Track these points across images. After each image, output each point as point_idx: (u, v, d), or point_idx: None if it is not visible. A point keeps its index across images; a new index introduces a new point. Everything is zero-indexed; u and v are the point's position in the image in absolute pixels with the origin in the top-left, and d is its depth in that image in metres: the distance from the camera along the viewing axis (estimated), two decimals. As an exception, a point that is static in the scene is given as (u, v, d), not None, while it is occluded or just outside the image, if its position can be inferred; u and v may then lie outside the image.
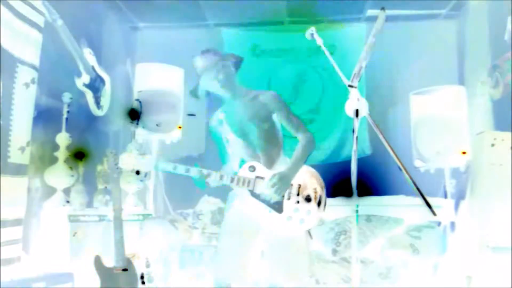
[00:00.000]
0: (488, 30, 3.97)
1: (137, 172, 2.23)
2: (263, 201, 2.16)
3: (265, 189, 2.15)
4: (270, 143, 2.29)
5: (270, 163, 2.24)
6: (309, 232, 2.21)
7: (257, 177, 2.18)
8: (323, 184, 2.24)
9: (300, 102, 4.95)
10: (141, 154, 2.23)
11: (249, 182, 2.17)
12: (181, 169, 2.18)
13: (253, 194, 2.18)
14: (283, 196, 2.16)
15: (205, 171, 2.16)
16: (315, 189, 2.19)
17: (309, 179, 2.22)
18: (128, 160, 2.22)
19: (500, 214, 2.90)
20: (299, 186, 2.19)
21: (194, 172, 2.17)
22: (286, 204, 2.16)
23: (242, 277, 2.20)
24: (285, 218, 2.14)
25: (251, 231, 2.22)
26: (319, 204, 2.17)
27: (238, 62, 2.42)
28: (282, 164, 2.25)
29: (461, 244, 3.33)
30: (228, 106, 2.37)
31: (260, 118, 2.28)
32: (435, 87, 4.01)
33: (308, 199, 2.17)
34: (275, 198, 2.14)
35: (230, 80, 2.34)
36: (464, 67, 4.54)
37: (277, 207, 2.15)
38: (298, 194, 2.17)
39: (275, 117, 2.31)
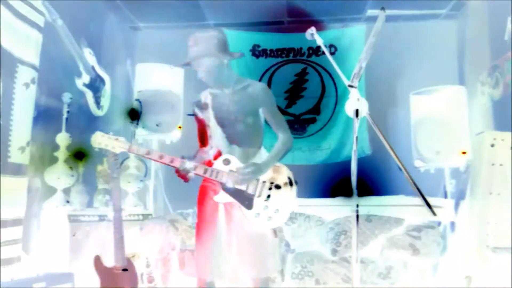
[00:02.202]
0: (488, 30, 3.97)
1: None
2: (234, 195, 2.16)
3: (234, 175, 2.14)
4: (251, 139, 2.28)
5: (245, 158, 2.22)
6: (274, 231, 2.21)
7: (231, 171, 2.17)
8: (295, 184, 2.24)
9: (300, 102, 4.95)
10: (114, 136, 2.16)
11: (222, 175, 2.15)
12: (154, 155, 2.14)
13: (224, 187, 2.16)
14: (253, 194, 2.16)
15: (177, 161, 2.11)
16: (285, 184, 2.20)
17: (282, 176, 2.22)
18: (101, 139, 2.18)
19: (500, 214, 2.90)
20: (271, 183, 2.19)
21: (166, 159, 2.11)
22: (256, 201, 2.16)
23: (221, 274, 2.19)
24: (254, 215, 2.15)
25: (223, 226, 2.21)
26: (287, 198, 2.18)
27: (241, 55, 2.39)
28: (257, 160, 2.24)
29: (461, 244, 3.33)
30: (216, 90, 2.32)
31: (246, 112, 2.26)
32: (435, 87, 4.01)
33: (278, 186, 2.18)
34: (238, 183, 2.14)
35: (221, 75, 2.25)
36: (464, 67, 4.54)
37: (247, 203, 2.15)
38: (270, 190, 2.18)
39: (261, 111, 2.30)
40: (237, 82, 2.31)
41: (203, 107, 2.30)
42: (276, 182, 2.20)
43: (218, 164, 2.19)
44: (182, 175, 2.14)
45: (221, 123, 2.26)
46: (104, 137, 2.17)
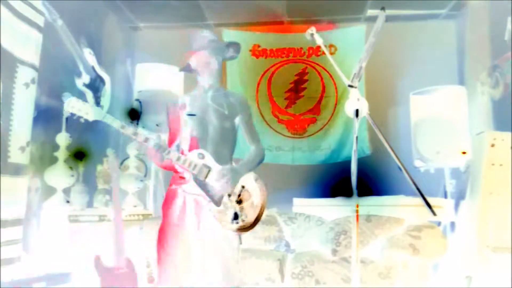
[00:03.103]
0: (488, 30, 3.97)
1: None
2: (204, 189, 2.14)
3: (214, 179, 2.14)
4: (224, 143, 2.27)
5: (218, 160, 2.20)
6: (239, 236, 2.20)
7: (204, 165, 2.16)
8: (266, 200, 2.23)
9: (300, 102, 4.95)
10: (90, 104, 2.13)
11: (195, 166, 2.13)
12: (128, 130, 2.11)
13: (195, 179, 2.15)
14: (224, 192, 2.16)
15: (152, 139, 2.10)
16: (260, 202, 2.21)
17: (255, 189, 2.22)
18: (75, 104, 2.12)
19: (500, 214, 2.90)
20: (243, 187, 2.19)
21: (140, 136, 2.09)
22: (226, 200, 2.15)
23: (189, 280, 2.12)
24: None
25: (192, 229, 2.16)
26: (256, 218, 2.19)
27: (234, 55, 2.41)
28: (228, 165, 2.24)
29: (461, 244, 3.33)
30: (198, 91, 2.34)
31: (224, 116, 2.28)
32: (435, 87, 4.01)
33: (239, 202, 2.18)
34: (223, 189, 2.13)
35: (219, 71, 2.34)
36: (464, 67, 4.55)
37: (216, 199, 2.14)
38: (239, 195, 2.18)
39: (238, 120, 2.34)
40: (220, 88, 2.37)
41: (180, 107, 2.28)
42: (247, 187, 2.21)
43: (192, 155, 2.16)
44: (155, 156, 2.12)
45: (199, 122, 2.25)
46: (79, 102, 2.11)
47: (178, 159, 2.12)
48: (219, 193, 2.15)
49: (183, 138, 2.23)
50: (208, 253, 2.14)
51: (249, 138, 2.36)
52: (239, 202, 2.17)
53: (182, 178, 2.19)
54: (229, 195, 2.16)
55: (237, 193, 2.18)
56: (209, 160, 2.17)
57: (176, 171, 2.23)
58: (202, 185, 2.14)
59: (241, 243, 2.21)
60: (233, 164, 2.28)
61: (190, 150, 2.19)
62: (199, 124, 2.24)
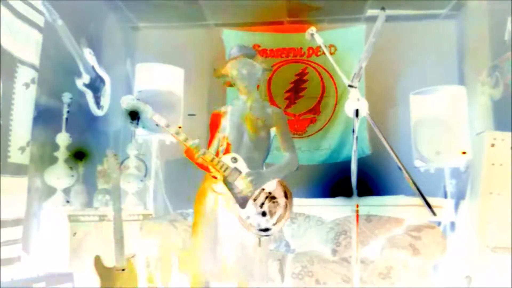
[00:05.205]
0: (488, 30, 3.97)
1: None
2: (232, 191, 2.25)
3: (240, 179, 2.24)
4: (257, 150, 2.39)
5: (250, 166, 2.31)
6: (259, 239, 2.27)
7: (236, 168, 2.26)
8: (290, 206, 2.33)
9: (300, 102, 4.95)
10: (143, 102, 2.29)
11: (226, 168, 2.24)
12: (172, 129, 2.23)
13: (225, 181, 2.26)
14: (250, 196, 2.25)
15: (192, 142, 2.20)
16: (283, 205, 2.29)
17: (280, 189, 2.31)
18: (130, 101, 2.26)
19: (500, 214, 2.90)
20: (269, 193, 2.28)
21: (182, 136, 2.21)
22: (251, 204, 2.25)
23: (217, 272, 2.27)
24: (245, 216, 2.23)
25: (222, 226, 2.30)
26: (277, 220, 2.27)
27: (266, 71, 2.59)
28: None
29: (461, 244, 3.33)
30: (238, 101, 2.48)
31: (261, 125, 2.41)
32: (435, 87, 4.01)
33: (274, 198, 2.28)
34: (246, 189, 2.23)
35: (251, 81, 2.45)
36: (464, 67, 4.55)
37: (242, 202, 2.24)
38: (263, 201, 2.27)
39: (273, 130, 2.46)
40: (258, 100, 2.51)
41: (222, 115, 2.44)
42: (274, 194, 2.29)
43: (225, 159, 2.28)
44: (190, 155, 2.23)
45: (237, 128, 2.39)
46: (134, 101, 2.27)
47: (212, 160, 2.23)
48: (246, 197, 2.26)
49: (220, 142, 2.37)
50: (235, 249, 2.27)
51: (284, 147, 2.49)
52: (262, 206, 2.26)
53: (214, 177, 2.31)
54: (255, 200, 2.26)
55: (262, 198, 2.27)
56: (242, 164, 2.28)
57: (209, 171, 2.35)
58: (231, 187, 2.25)
59: (259, 246, 2.27)
60: (264, 169, 2.39)
61: (225, 153, 2.32)
62: (236, 130, 2.38)
